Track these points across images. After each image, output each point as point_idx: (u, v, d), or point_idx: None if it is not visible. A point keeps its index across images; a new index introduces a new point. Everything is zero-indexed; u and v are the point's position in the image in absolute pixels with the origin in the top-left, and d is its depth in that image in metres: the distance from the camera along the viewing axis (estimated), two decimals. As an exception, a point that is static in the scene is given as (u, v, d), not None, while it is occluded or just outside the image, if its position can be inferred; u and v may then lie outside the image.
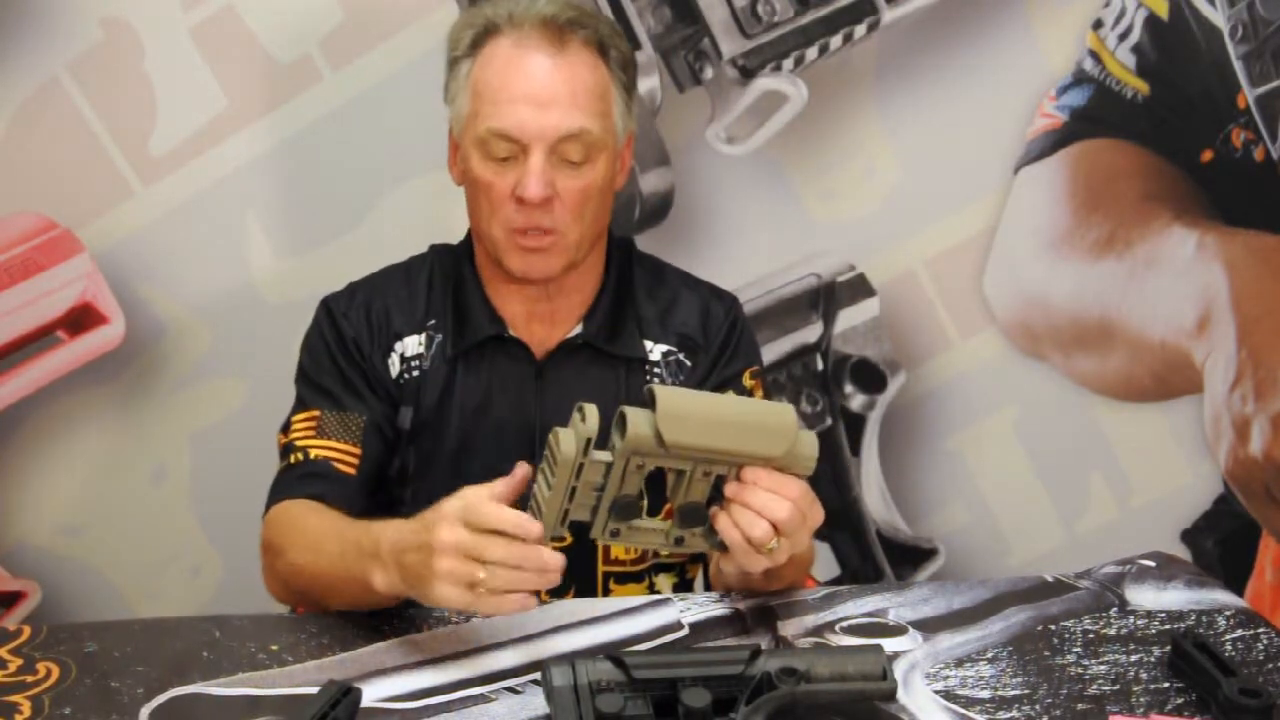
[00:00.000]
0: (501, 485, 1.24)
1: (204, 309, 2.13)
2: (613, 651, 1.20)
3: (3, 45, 2.00)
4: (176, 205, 2.08)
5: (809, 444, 1.30)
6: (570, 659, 1.18)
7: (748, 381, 1.63)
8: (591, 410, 1.22)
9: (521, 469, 1.26)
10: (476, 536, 1.20)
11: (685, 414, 1.23)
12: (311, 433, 1.54)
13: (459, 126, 1.53)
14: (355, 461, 1.53)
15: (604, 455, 1.23)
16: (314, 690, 1.21)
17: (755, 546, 1.27)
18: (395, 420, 1.58)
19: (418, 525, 1.26)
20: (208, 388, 2.16)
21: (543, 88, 1.47)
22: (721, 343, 1.62)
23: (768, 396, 1.66)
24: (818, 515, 1.32)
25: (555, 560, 1.21)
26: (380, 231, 2.12)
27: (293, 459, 1.53)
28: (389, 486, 1.60)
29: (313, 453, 1.53)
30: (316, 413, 1.56)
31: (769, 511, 1.27)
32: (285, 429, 1.58)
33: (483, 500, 1.22)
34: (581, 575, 1.55)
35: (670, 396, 1.23)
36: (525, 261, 1.51)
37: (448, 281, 1.61)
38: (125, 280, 2.10)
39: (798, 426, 1.28)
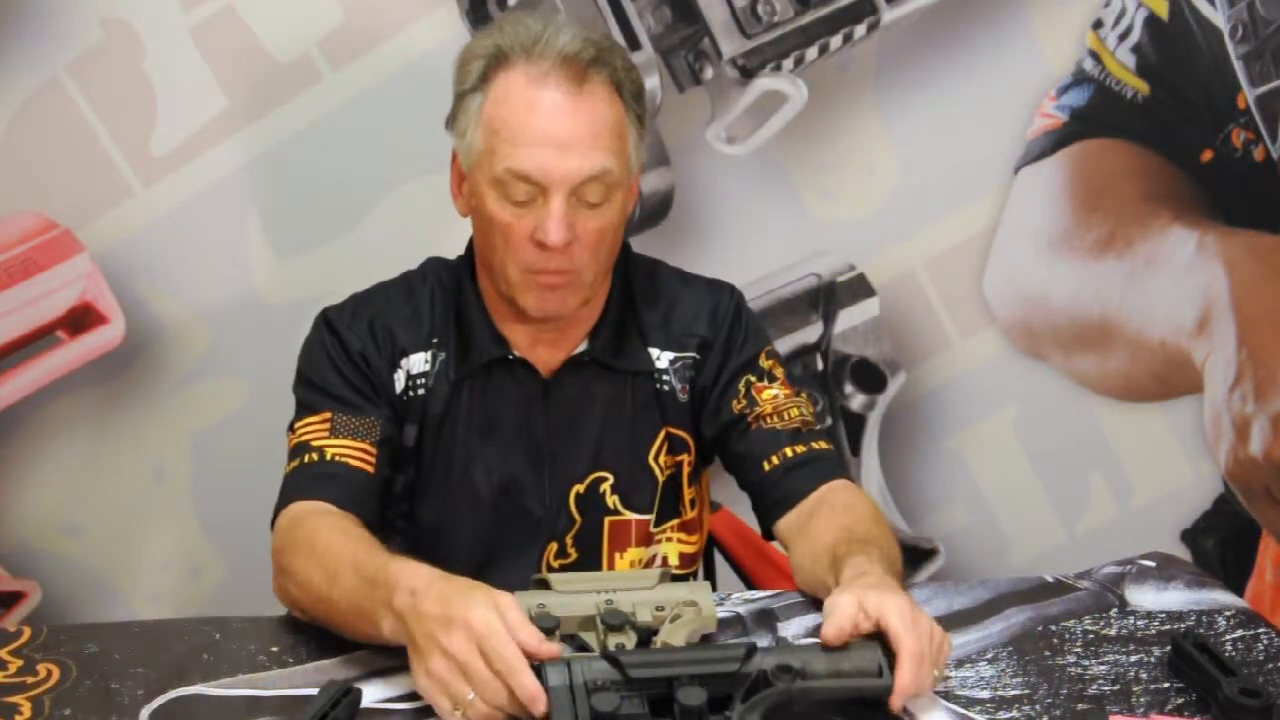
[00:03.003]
0: (526, 637, 1.17)
1: (204, 309, 2.13)
2: (609, 651, 1.19)
3: (3, 45, 2.00)
4: (176, 205, 2.08)
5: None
6: (567, 659, 1.18)
7: (764, 362, 1.61)
8: None
9: (551, 649, 1.18)
10: (480, 668, 1.14)
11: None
12: (325, 433, 1.49)
13: (470, 161, 1.47)
14: (372, 460, 1.49)
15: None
16: (314, 691, 1.21)
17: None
18: (400, 434, 1.56)
19: (437, 596, 1.19)
20: (208, 388, 2.16)
21: (564, 129, 1.41)
22: (728, 333, 1.61)
23: (788, 375, 1.65)
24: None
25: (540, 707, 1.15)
26: (379, 232, 2.12)
27: (306, 458, 1.48)
28: (394, 502, 1.58)
29: (329, 452, 1.48)
30: (328, 414, 1.51)
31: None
32: (292, 431, 1.53)
33: (507, 638, 1.15)
34: None
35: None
36: (541, 299, 1.48)
37: (450, 300, 1.58)
38: (125, 280, 2.10)
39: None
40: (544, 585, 1.34)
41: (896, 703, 1.19)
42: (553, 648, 1.17)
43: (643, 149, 1.52)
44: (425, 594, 1.20)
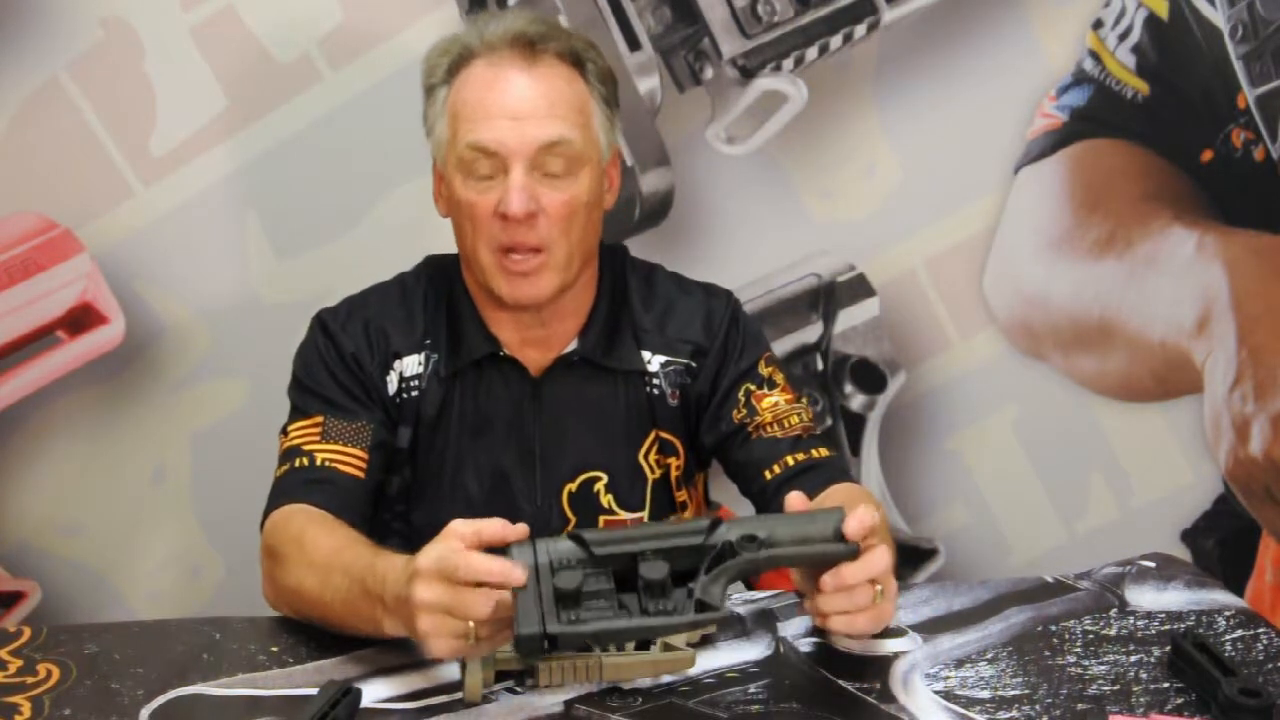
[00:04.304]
0: (489, 530, 1.19)
1: (204, 309, 2.13)
2: (573, 531, 1.18)
3: (3, 45, 2.00)
4: (176, 205, 2.09)
5: None
6: (533, 540, 1.17)
7: (764, 369, 1.61)
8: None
9: (519, 530, 1.21)
10: (456, 592, 1.16)
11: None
12: (316, 437, 1.50)
13: (440, 153, 1.51)
14: (363, 465, 1.50)
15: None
16: (314, 691, 1.21)
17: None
18: (394, 437, 1.56)
19: (401, 571, 1.22)
20: (208, 388, 2.16)
21: (519, 101, 1.45)
22: (724, 341, 1.61)
23: (788, 376, 1.65)
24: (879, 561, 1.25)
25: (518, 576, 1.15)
26: (380, 232, 2.12)
27: (297, 463, 1.49)
28: (389, 504, 1.59)
29: (319, 457, 1.49)
30: (319, 418, 1.52)
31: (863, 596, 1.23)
32: (285, 434, 1.54)
33: (458, 550, 1.17)
34: None
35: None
36: (513, 286, 1.49)
37: (442, 299, 1.59)
38: (125, 280, 2.10)
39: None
40: None
41: (853, 573, 1.20)
42: (519, 528, 1.19)
43: (615, 133, 1.55)
44: (399, 578, 1.22)
